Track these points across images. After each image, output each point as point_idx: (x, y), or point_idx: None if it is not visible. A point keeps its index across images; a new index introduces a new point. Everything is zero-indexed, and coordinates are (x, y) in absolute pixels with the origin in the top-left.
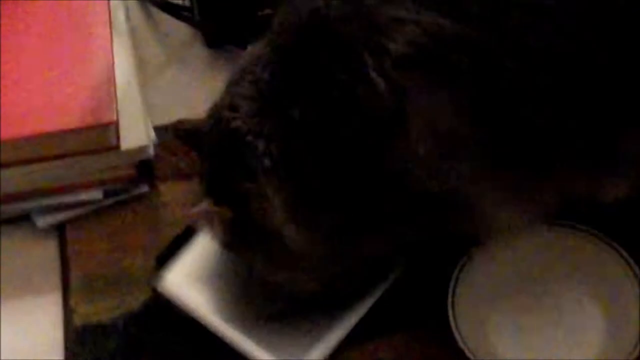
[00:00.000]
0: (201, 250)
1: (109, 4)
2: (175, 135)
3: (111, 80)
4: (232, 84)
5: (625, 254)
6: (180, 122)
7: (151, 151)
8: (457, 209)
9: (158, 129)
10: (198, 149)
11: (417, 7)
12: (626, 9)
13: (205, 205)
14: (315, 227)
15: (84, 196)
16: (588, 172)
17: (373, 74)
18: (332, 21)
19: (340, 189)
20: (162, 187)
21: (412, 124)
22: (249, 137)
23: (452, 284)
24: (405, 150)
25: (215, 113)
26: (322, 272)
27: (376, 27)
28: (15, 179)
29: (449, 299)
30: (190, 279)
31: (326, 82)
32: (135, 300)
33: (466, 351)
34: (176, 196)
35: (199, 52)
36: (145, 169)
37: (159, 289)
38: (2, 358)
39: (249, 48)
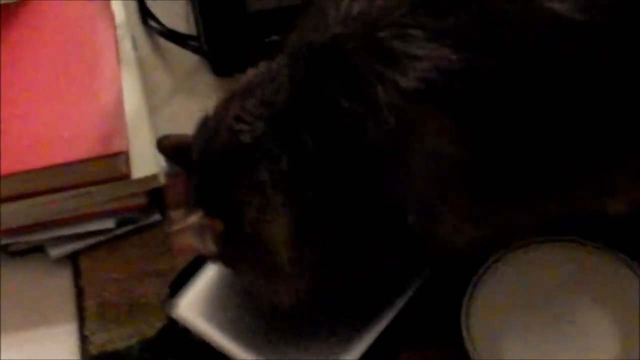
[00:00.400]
0: (214, 275)
1: (115, 34)
2: (159, 150)
3: (120, 109)
4: (238, 98)
5: (635, 266)
6: (164, 137)
7: (162, 179)
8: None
9: None
10: (182, 163)
11: (430, 44)
12: (626, 9)
13: (196, 217)
14: (311, 247)
15: (96, 226)
16: (590, 188)
17: (384, 107)
18: (346, 51)
19: (340, 213)
20: (175, 215)
21: (414, 156)
22: (258, 154)
23: (465, 300)
24: (404, 182)
25: (212, 123)
26: (303, 286)
27: (389, 61)
28: (28, 211)
29: (463, 316)
30: (203, 305)
31: (338, 111)
32: (150, 328)
33: None
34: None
35: (206, 80)
36: (156, 197)
37: (173, 316)
38: None
39: (253, 69)
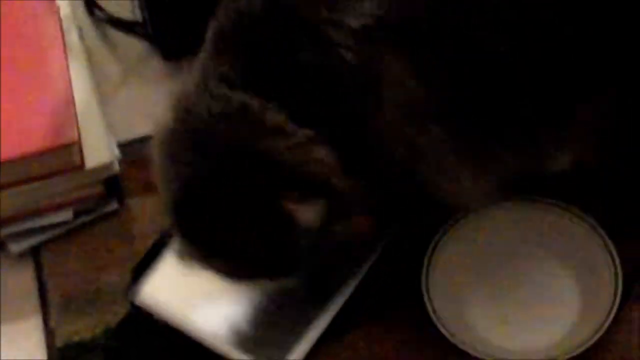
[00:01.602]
0: (175, 259)
1: (61, 26)
2: None
3: (70, 100)
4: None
5: (593, 222)
6: None
7: (116, 167)
8: (423, 176)
9: (122, 145)
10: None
11: None
12: None
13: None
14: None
15: (54, 218)
16: (538, 144)
17: (341, 50)
18: (290, 6)
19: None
20: (132, 203)
21: (383, 92)
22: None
23: (424, 265)
24: (381, 118)
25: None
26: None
27: (333, 7)
28: None
29: (423, 281)
30: (166, 289)
31: (299, 65)
32: (114, 316)
33: (442, 330)
34: (146, 210)
35: (155, 65)
36: (113, 186)
37: (137, 302)
38: None
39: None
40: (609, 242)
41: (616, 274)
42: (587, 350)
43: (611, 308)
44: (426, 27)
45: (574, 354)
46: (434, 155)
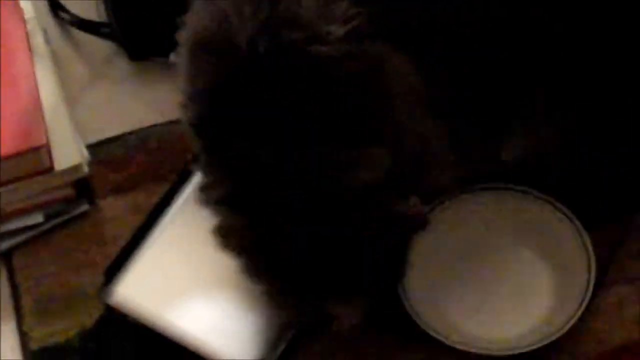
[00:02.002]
0: (148, 259)
1: (26, 29)
2: None
3: (37, 103)
4: None
5: (567, 211)
6: None
7: (86, 169)
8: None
9: (91, 146)
10: None
11: None
12: None
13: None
14: None
15: (26, 221)
16: (494, 133)
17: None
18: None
19: None
20: (103, 204)
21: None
22: None
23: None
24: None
25: None
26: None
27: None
28: None
29: None
30: (139, 289)
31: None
32: (89, 318)
33: (417, 319)
34: (117, 211)
35: (122, 66)
36: (83, 187)
37: (111, 303)
38: None
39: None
40: (583, 231)
41: (589, 263)
42: (561, 338)
43: (584, 297)
44: (418, 25)
45: (548, 341)
46: (436, 148)
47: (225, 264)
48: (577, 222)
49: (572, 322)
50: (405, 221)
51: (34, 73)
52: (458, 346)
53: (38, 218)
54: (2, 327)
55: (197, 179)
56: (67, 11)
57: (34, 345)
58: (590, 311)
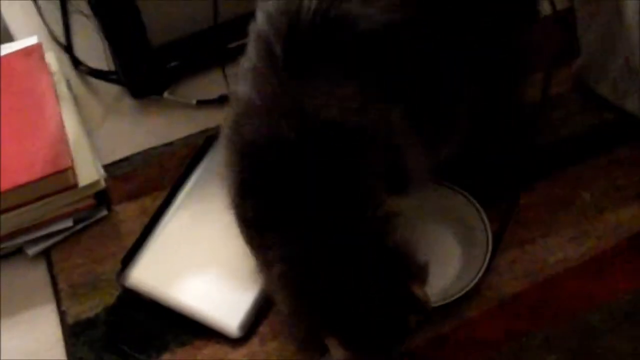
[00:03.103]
0: (155, 249)
1: (52, 80)
2: None
3: (63, 136)
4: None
5: (473, 200)
6: None
7: (103, 183)
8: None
9: (106, 166)
10: None
11: None
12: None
13: None
14: None
15: (59, 226)
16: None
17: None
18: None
19: None
20: (118, 209)
21: None
22: None
23: None
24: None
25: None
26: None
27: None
28: (6, 222)
29: None
30: (149, 273)
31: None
32: (111, 297)
33: None
34: (129, 214)
35: (128, 103)
36: (102, 197)
37: (126, 285)
38: (17, 359)
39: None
40: (481, 209)
41: (487, 234)
42: (469, 292)
43: (484, 260)
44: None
45: (458, 296)
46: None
47: (215, 251)
48: (477, 203)
49: (477, 280)
50: (413, 304)
51: (59, 113)
52: None
53: (68, 223)
54: (45, 309)
55: (189, 185)
56: (84, 64)
57: (70, 320)
58: (488, 271)
